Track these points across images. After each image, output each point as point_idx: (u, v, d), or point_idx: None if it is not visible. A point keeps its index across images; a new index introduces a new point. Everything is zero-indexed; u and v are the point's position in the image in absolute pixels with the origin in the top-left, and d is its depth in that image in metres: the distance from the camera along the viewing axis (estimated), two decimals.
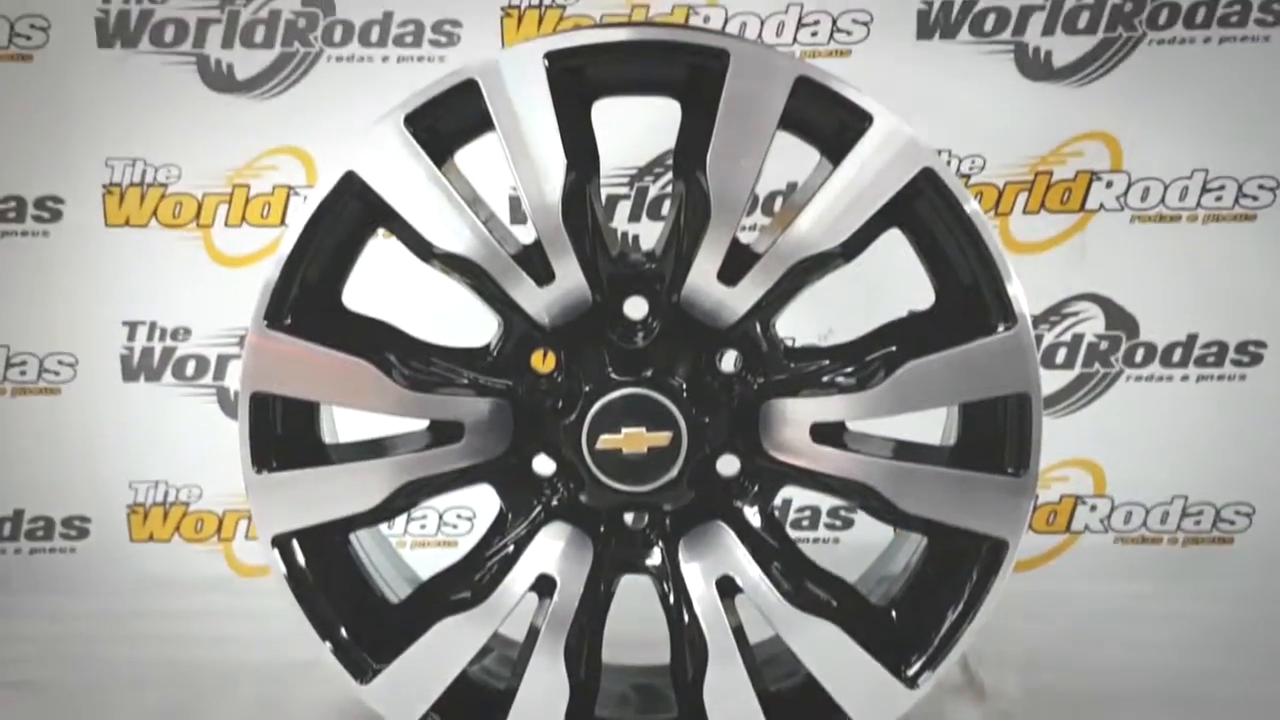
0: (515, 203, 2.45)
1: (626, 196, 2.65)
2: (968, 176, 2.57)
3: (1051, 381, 2.66)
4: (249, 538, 2.79)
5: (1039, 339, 2.63)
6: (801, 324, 2.57)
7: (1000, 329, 1.69)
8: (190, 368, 2.73)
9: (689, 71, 1.71)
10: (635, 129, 2.41)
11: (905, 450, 1.82)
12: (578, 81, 1.71)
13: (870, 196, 1.68)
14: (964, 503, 1.74)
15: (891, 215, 1.70)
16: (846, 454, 1.76)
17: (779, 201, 2.62)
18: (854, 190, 1.68)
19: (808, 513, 2.80)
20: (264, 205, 2.65)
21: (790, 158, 1.80)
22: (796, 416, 1.76)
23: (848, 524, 2.79)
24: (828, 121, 1.71)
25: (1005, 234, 2.59)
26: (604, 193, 2.55)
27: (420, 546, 2.84)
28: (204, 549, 2.82)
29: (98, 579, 2.78)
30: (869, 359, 1.76)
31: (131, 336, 2.72)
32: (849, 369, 1.76)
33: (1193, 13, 2.50)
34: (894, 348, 1.75)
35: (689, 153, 1.71)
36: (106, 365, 2.74)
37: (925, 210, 1.71)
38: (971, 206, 1.67)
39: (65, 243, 2.68)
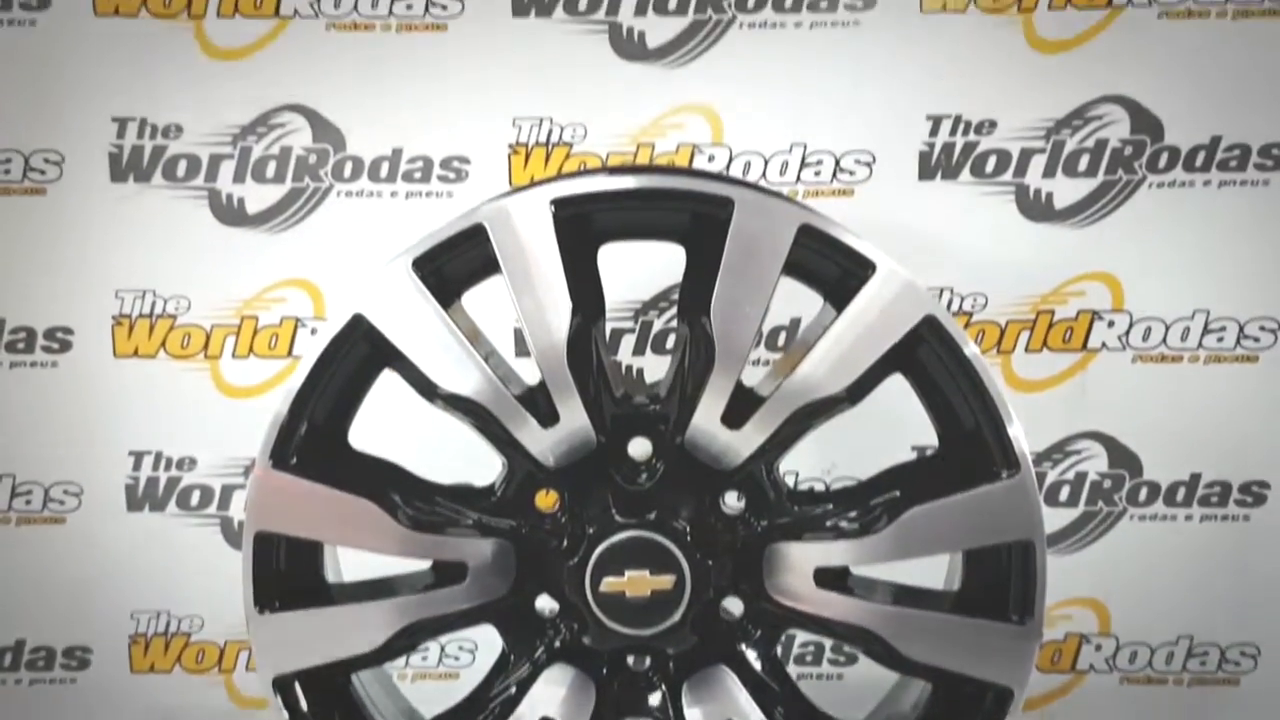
0: (519, 334, 2.46)
1: (631, 330, 2.66)
2: (970, 315, 2.58)
3: (1055, 520, 2.65)
4: (249, 669, 2.77)
5: (1042, 477, 2.63)
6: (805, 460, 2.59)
7: (1003, 475, 1.69)
8: (195, 498, 2.72)
9: (694, 218, 1.72)
10: (640, 264, 2.44)
11: (908, 596, 1.81)
12: (583, 227, 1.72)
13: (874, 342, 1.68)
14: (968, 650, 1.73)
15: (894, 361, 1.71)
16: (850, 599, 1.76)
17: (782, 336, 2.63)
18: (857, 335, 1.68)
19: (811, 648, 2.77)
20: (272, 337, 2.67)
21: (793, 294, 1.81)
22: (800, 561, 1.75)
23: (851, 660, 2.76)
24: (830, 268, 1.72)
25: (1007, 372, 2.59)
26: (608, 327, 2.56)
27: (421, 678, 2.81)
28: (205, 680, 2.80)
29: (98, 710, 2.76)
30: (872, 504, 1.76)
31: (137, 466, 2.71)
32: (852, 513, 1.76)
33: (1192, 156, 2.53)
34: (897, 493, 1.75)
35: (694, 297, 1.71)
36: (111, 495, 2.73)
37: (927, 356, 1.72)
38: (971, 350, 1.68)
39: (73, 373, 2.68)
